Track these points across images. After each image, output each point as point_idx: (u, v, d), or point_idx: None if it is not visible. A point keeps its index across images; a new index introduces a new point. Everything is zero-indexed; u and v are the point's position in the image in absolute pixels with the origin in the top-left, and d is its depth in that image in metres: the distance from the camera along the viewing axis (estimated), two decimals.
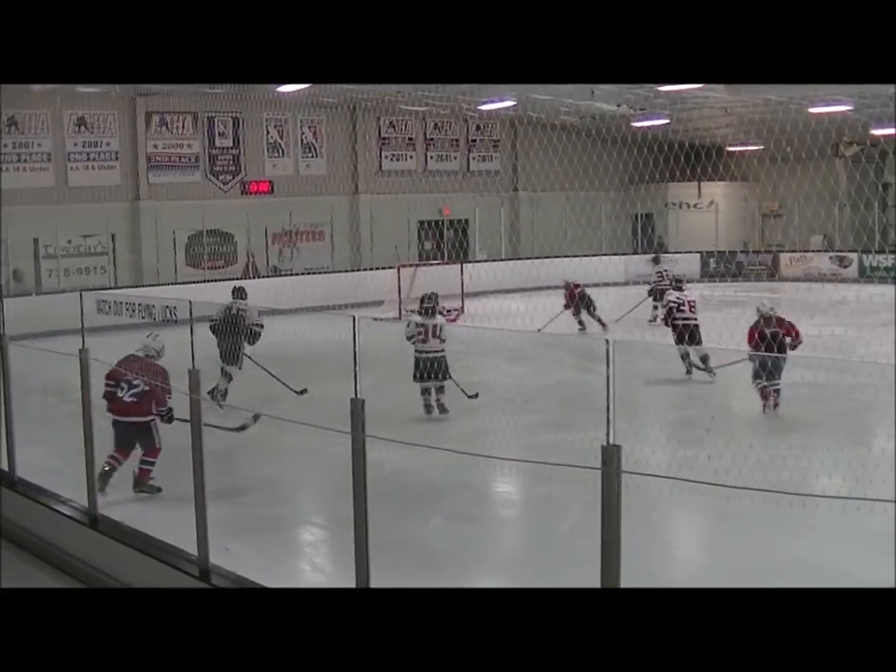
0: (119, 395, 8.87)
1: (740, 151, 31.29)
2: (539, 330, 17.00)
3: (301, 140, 27.72)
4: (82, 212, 23.09)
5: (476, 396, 12.13)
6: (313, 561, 7.86)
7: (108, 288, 22.64)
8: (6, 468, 8.49)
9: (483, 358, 14.84)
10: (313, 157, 27.89)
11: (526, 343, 17.09)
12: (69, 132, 24.18)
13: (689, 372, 14.12)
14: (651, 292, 20.60)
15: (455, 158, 30.54)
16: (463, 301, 22.10)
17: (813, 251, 29.38)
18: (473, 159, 30.94)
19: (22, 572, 7.17)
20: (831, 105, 22.08)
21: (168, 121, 25.72)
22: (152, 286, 22.40)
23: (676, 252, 29.88)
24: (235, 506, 8.42)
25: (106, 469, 8.74)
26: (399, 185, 29.01)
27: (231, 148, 26.73)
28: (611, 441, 4.18)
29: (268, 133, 27.21)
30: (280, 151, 27.43)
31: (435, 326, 12.07)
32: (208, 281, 23.47)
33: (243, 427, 9.58)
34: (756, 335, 11.76)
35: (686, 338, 13.93)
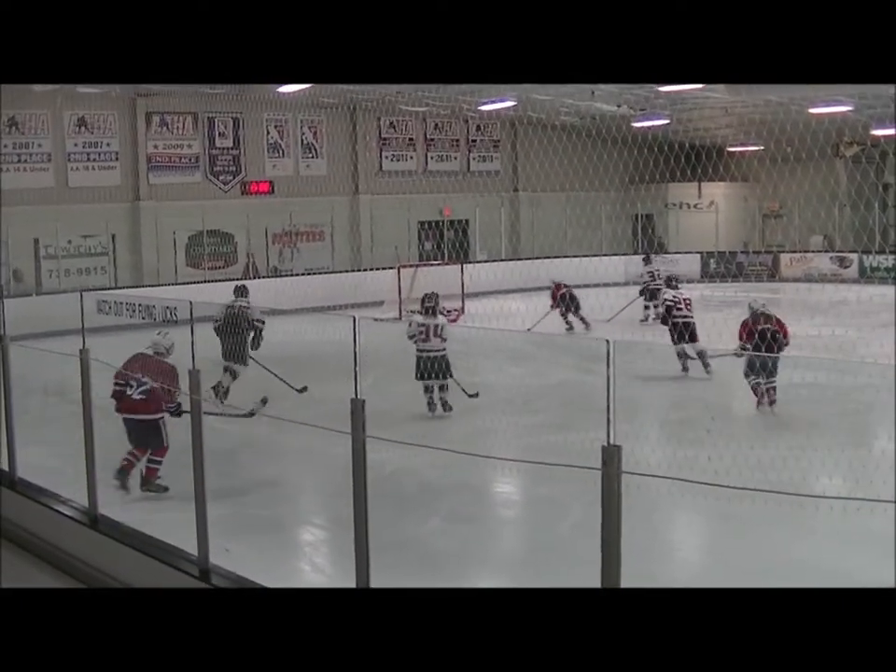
0: (129, 393, 8.90)
1: (740, 152, 31.29)
2: (528, 330, 17.17)
3: (302, 140, 27.71)
4: (82, 212, 23.10)
5: (476, 395, 12.18)
6: (313, 561, 7.87)
7: (109, 289, 22.63)
8: (6, 468, 8.48)
9: (483, 359, 14.84)
10: (313, 157, 27.89)
11: (527, 343, 17.11)
12: (69, 132, 24.18)
13: (686, 370, 14.28)
14: (642, 292, 20.70)
15: (456, 158, 30.54)
16: (463, 302, 22.09)
17: (813, 251, 29.37)
18: (473, 159, 30.94)
19: (23, 572, 7.16)
20: (831, 105, 22.08)
21: (168, 122, 25.72)
22: (152, 286, 22.38)
23: (676, 252, 29.93)
24: (235, 506, 8.42)
25: (125, 464, 8.82)
26: (400, 185, 29.00)
27: (232, 149, 26.73)
28: (612, 442, 4.17)
29: (268, 133, 27.21)
30: (280, 152, 27.43)
31: (436, 325, 12.13)
32: (208, 281, 23.48)
33: (251, 413, 9.74)
34: (747, 330, 11.92)
35: (684, 336, 14.06)
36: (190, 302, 7.09)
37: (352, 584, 5.24)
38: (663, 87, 21.39)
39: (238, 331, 12.56)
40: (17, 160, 23.37)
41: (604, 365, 4.24)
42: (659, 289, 19.57)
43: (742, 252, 30.13)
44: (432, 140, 30.07)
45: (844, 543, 7.05)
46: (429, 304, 12.50)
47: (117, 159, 24.98)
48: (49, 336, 12.34)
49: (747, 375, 11.90)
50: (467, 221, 29.64)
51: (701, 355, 14.12)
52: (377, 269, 24.74)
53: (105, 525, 7.19)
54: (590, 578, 4.22)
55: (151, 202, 25.20)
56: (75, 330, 8.09)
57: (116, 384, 8.96)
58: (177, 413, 8.76)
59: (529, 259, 27.20)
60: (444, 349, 12.15)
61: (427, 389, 12.17)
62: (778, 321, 12.31)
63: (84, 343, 7.65)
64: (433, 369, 11.92)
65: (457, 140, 30.59)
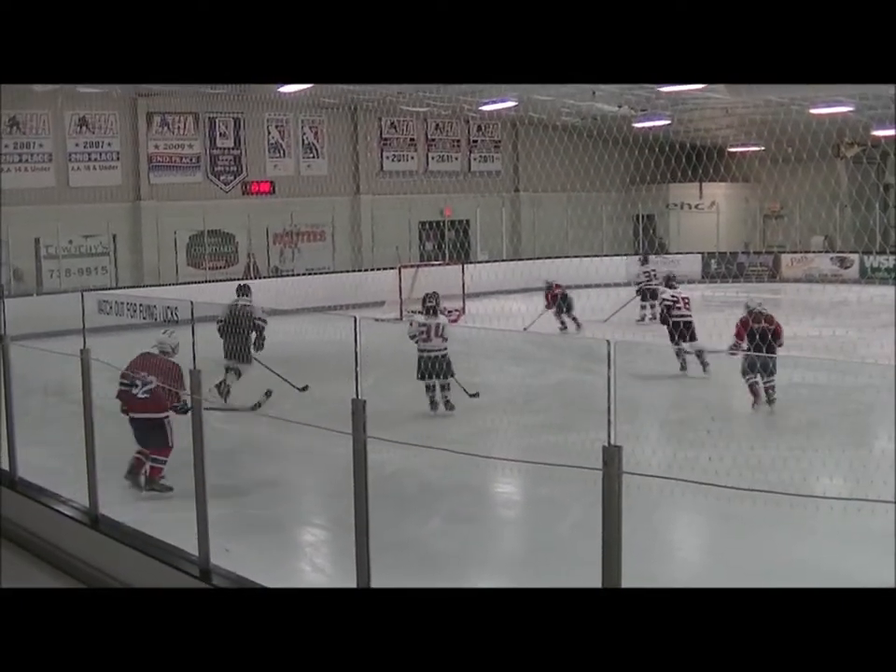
0: (134, 392, 8.92)
1: (741, 152, 31.29)
2: (525, 329, 17.34)
3: (303, 140, 27.72)
4: (83, 212, 23.10)
5: (477, 395, 12.21)
6: (313, 561, 7.86)
7: (109, 289, 22.63)
8: (6, 468, 8.49)
9: (483, 359, 14.84)
10: (314, 157, 27.89)
11: (527, 343, 17.11)
12: (70, 132, 24.19)
13: (684, 369, 14.37)
14: (639, 292, 20.75)
15: (457, 158, 30.54)
16: (464, 302, 22.09)
17: (814, 252, 29.37)
18: (474, 159, 30.94)
19: (23, 572, 7.16)
20: (832, 105, 22.08)
21: (169, 122, 25.73)
22: (153, 286, 22.38)
23: (677, 253, 29.93)
24: (236, 506, 8.42)
25: (134, 463, 8.88)
26: (401, 185, 29.00)
27: (233, 149, 26.74)
28: (612, 442, 4.17)
29: (269, 133, 27.21)
30: (281, 152, 27.43)
31: (437, 325, 12.18)
32: (209, 281, 23.49)
33: (257, 405, 9.97)
34: (745, 329, 12.03)
35: (684, 335, 14.14)
36: (191, 302, 7.09)
37: (352, 584, 5.24)
38: (664, 87, 21.40)
39: (240, 331, 12.62)
40: (18, 159, 23.39)
41: (604, 365, 4.24)
42: (655, 290, 19.73)
43: (743, 252, 30.13)
44: (433, 140, 30.07)
45: (844, 543, 7.05)
46: (430, 304, 12.58)
47: (118, 159, 24.99)
48: (49, 336, 12.34)
49: (744, 374, 11.96)
50: (468, 221, 29.64)
51: (699, 354, 14.20)
52: (378, 269, 24.74)
53: (106, 525, 7.19)
54: (590, 578, 4.22)
55: (152, 201, 25.21)
56: (75, 330, 8.09)
57: (121, 384, 9.00)
58: (183, 410, 8.78)
59: (530, 259, 27.19)
60: (446, 349, 12.21)
61: (429, 388, 12.22)
62: (769, 318, 12.38)
63: (85, 343, 7.66)
64: (435, 368, 11.97)
65: (458, 140, 30.59)
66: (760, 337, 11.78)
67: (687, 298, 15.12)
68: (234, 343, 12.65)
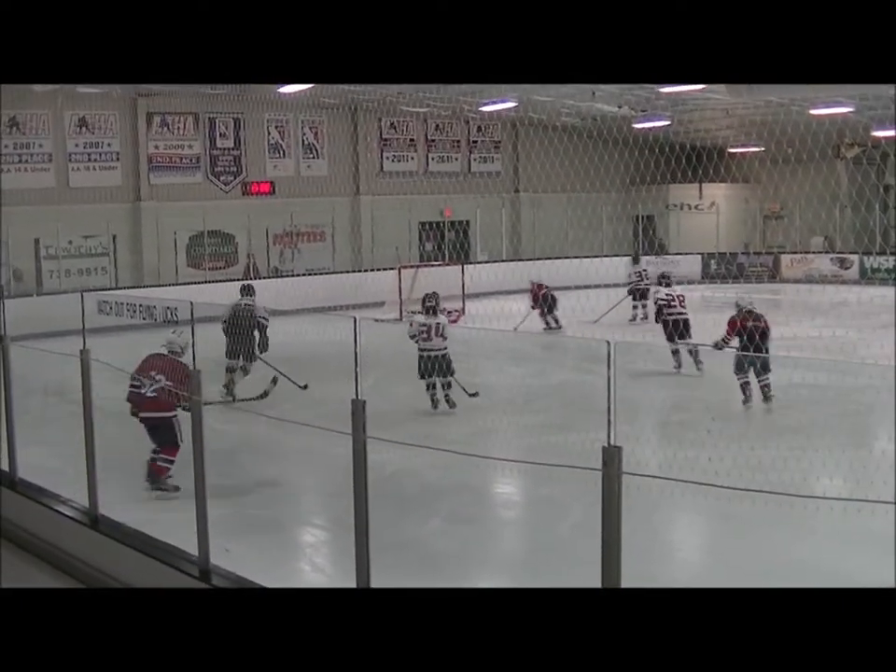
0: (142, 391, 8.94)
1: (741, 153, 31.29)
2: (515, 329, 17.59)
3: (303, 141, 27.72)
4: (83, 213, 23.10)
5: (476, 394, 12.24)
6: (313, 562, 7.86)
7: (109, 289, 22.62)
8: (6, 468, 8.48)
9: (483, 359, 14.84)
10: (314, 158, 27.90)
11: (527, 343, 17.12)
12: (70, 132, 24.19)
13: (678, 366, 14.48)
14: (630, 292, 20.78)
15: (457, 159, 30.54)
16: (464, 303, 22.10)
17: (814, 253, 29.37)
18: (474, 160, 30.94)
19: (23, 572, 7.16)
20: (832, 106, 22.08)
21: (169, 122, 25.73)
22: (153, 286, 22.34)
23: (677, 253, 29.95)
24: (236, 506, 8.42)
25: (150, 465, 8.95)
26: (401, 186, 29.00)
27: (233, 149, 26.74)
28: (612, 443, 4.17)
29: (269, 133, 27.22)
30: (281, 152, 27.44)
31: (437, 324, 12.23)
32: (209, 282, 23.50)
33: (265, 394, 10.26)
34: (737, 327, 12.15)
35: (679, 333, 14.24)
36: (191, 303, 7.09)
37: (352, 585, 5.23)
38: (664, 88, 21.40)
39: (243, 330, 12.81)
40: (18, 160, 23.39)
41: (604, 366, 4.24)
42: (647, 289, 19.88)
43: (743, 253, 30.13)
44: (433, 141, 30.07)
45: (844, 544, 7.05)
46: (430, 304, 12.64)
47: (117, 159, 24.99)
48: (49, 336, 12.33)
49: (737, 372, 12.04)
50: (467, 222, 29.64)
51: (693, 352, 14.31)
52: (378, 269, 24.74)
53: (106, 525, 7.19)
54: (590, 578, 4.22)
55: (152, 202, 25.22)
56: (75, 331, 8.09)
57: (131, 386, 9.03)
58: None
59: (530, 259, 27.18)
60: (446, 348, 12.29)
61: (430, 387, 12.29)
62: (759, 315, 12.47)
63: (84, 343, 7.65)
64: (435, 367, 12.04)
65: (458, 141, 30.60)
66: (750, 336, 11.86)
67: (682, 295, 15.22)
68: (237, 341, 12.81)
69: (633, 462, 4.38)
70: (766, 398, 11.90)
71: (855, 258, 28.07)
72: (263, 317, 13.32)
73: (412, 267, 23.53)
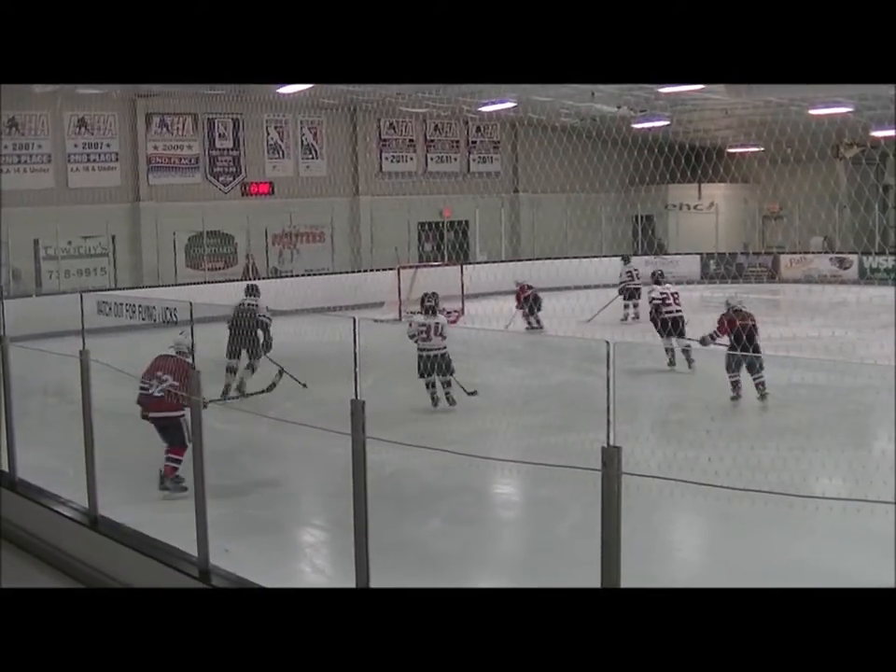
0: (151, 391, 8.96)
1: (740, 153, 31.28)
2: (506, 327, 18.00)
3: (302, 141, 27.71)
4: (82, 213, 23.10)
5: (475, 393, 12.30)
6: (313, 562, 7.86)
7: (108, 290, 22.61)
8: (6, 469, 8.48)
9: (483, 360, 14.86)
10: (313, 158, 27.89)
11: (527, 344, 17.13)
12: (69, 133, 24.18)
13: (672, 364, 14.64)
14: (621, 291, 20.82)
15: (456, 159, 30.54)
16: (463, 303, 22.10)
17: (813, 253, 29.37)
18: (473, 160, 30.94)
19: (23, 573, 7.16)
20: (831, 106, 22.08)
21: (168, 123, 25.72)
22: (152, 287, 22.35)
23: (676, 254, 29.96)
24: (235, 507, 8.42)
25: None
26: (400, 186, 28.99)
27: (232, 150, 26.73)
28: (611, 443, 4.17)
29: (268, 134, 27.21)
30: (280, 153, 27.43)
31: (437, 324, 12.28)
32: (208, 282, 23.51)
33: (272, 386, 10.54)
34: (726, 325, 12.32)
35: (672, 331, 14.39)
36: (191, 303, 7.09)
37: (352, 585, 5.23)
38: (663, 88, 21.40)
39: (246, 328, 12.96)
40: (17, 160, 23.38)
41: (603, 366, 4.24)
42: (638, 289, 19.99)
43: (742, 253, 30.13)
44: (432, 141, 30.07)
45: (843, 544, 7.05)
46: (430, 304, 12.69)
47: (117, 160, 24.98)
48: (48, 337, 12.33)
49: (728, 370, 12.13)
50: (467, 222, 29.64)
51: (686, 350, 14.47)
52: (377, 270, 24.75)
53: (105, 525, 7.19)
54: (590, 578, 4.22)
55: (151, 202, 25.20)
56: (75, 331, 8.09)
57: (141, 388, 9.04)
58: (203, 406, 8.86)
59: (529, 260, 27.19)
60: (445, 347, 12.37)
61: (430, 385, 12.36)
62: (753, 317, 12.56)
63: (84, 344, 7.65)
64: (435, 367, 12.10)
65: (457, 141, 30.59)
66: (738, 335, 11.97)
67: (676, 293, 15.34)
68: (238, 341, 12.95)
69: (632, 462, 4.38)
70: (762, 395, 11.94)
71: (854, 258, 28.06)
72: (265, 316, 13.48)
73: (411, 267, 23.53)
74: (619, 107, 24.78)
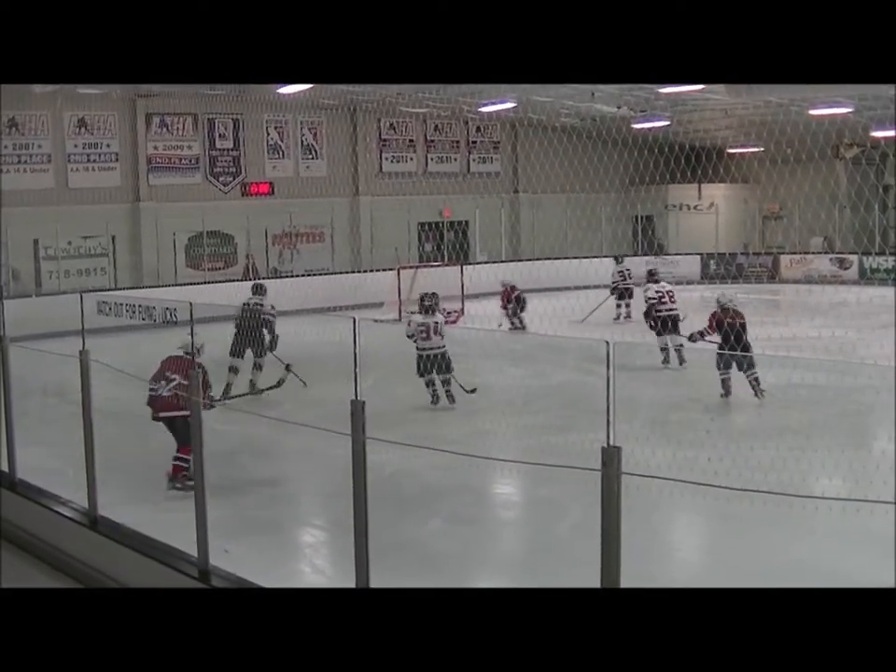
0: (160, 392, 8.96)
1: (740, 153, 31.27)
2: (499, 326, 18.39)
3: (302, 142, 27.71)
4: (82, 213, 23.10)
5: (474, 391, 12.36)
6: (313, 563, 7.86)
7: (108, 290, 22.62)
8: (6, 469, 8.48)
9: (483, 360, 14.86)
10: (313, 158, 27.89)
11: (527, 344, 17.13)
12: (69, 133, 24.18)
13: (666, 362, 14.78)
14: (613, 291, 20.85)
15: (456, 159, 30.54)
16: (463, 303, 22.10)
17: (813, 253, 29.37)
18: (474, 160, 30.94)
19: (23, 573, 7.16)
20: (831, 106, 22.08)
21: (168, 123, 25.72)
22: (152, 287, 22.37)
23: (676, 254, 29.96)
24: (235, 507, 8.41)
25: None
26: (400, 186, 28.99)
27: (232, 150, 26.73)
28: (611, 443, 4.17)
29: (268, 134, 27.21)
30: (280, 153, 27.43)
31: (436, 323, 12.35)
32: (208, 283, 23.52)
33: (281, 382, 10.54)
34: (716, 323, 12.43)
35: (668, 328, 14.50)
36: (190, 304, 7.09)
37: (352, 585, 5.23)
38: (663, 88, 21.41)
39: (250, 328, 13.08)
40: (17, 161, 23.38)
41: (603, 366, 4.24)
42: (630, 289, 20.13)
43: (742, 253, 30.14)
44: (432, 141, 30.07)
45: (843, 544, 7.05)
46: (428, 303, 12.73)
47: (117, 160, 24.98)
48: (48, 337, 12.34)
49: (718, 368, 12.22)
50: (467, 223, 29.65)
51: (678, 349, 14.59)
52: (377, 270, 24.75)
53: (105, 526, 7.19)
54: (589, 578, 4.22)
55: (151, 203, 25.20)
56: (74, 332, 8.09)
57: (150, 390, 9.03)
58: (210, 406, 8.88)
59: (529, 260, 27.20)
60: (444, 346, 12.43)
61: (429, 384, 12.41)
62: (743, 315, 12.71)
63: (84, 344, 7.65)
64: (435, 365, 12.20)
65: (457, 141, 30.59)
66: (731, 331, 12.04)
67: (672, 291, 15.46)
68: (243, 340, 13.07)
69: (632, 462, 4.38)
70: (757, 392, 11.98)
71: (854, 258, 28.07)
72: (270, 314, 13.60)
73: (411, 267, 23.54)
74: (619, 107, 24.78)
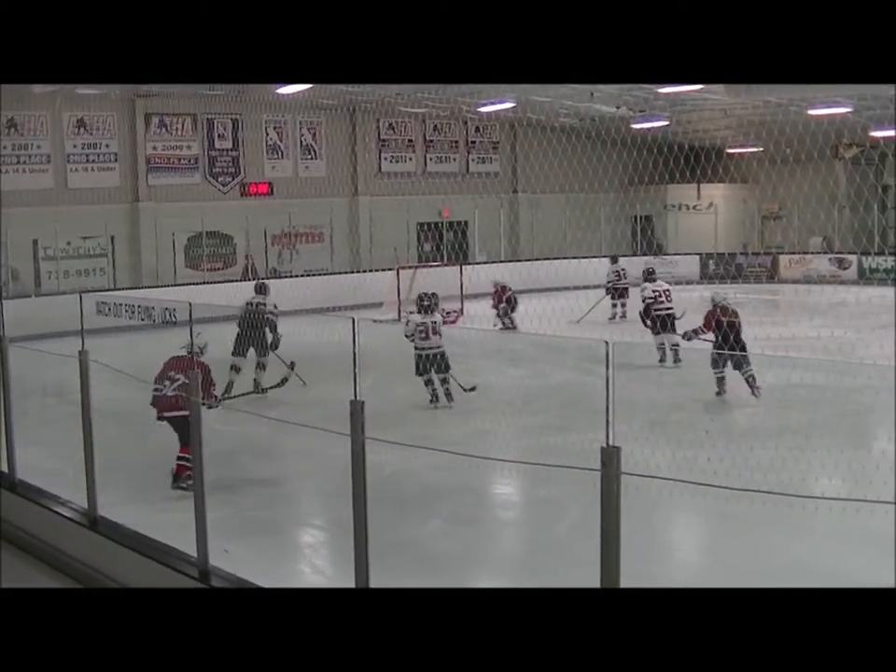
0: (164, 392, 8.96)
1: (740, 153, 31.28)
2: (494, 326, 18.73)
3: (301, 142, 27.71)
4: (81, 214, 23.09)
5: (474, 388, 12.44)
6: (312, 563, 7.86)
7: (108, 290, 22.62)
8: (6, 469, 8.48)
9: (483, 360, 14.87)
10: (312, 159, 27.89)
11: (526, 344, 17.13)
12: (68, 133, 24.17)
13: (662, 360, 14.92)
14: (608, 291, 20.88)
15: (455, 159, 30.54)
16: (462, 303, 22.11)
17: (812, 253, 29.37)
18: (473, 160, 30.94)
19: (22, 574, 7.15)
20: (830, 106, 22.09)
21: (167, 123, 25.72)
22: (151, 287, 22.38)
23: (675, 254, 29.96)
24: (235, 507, 8.41)
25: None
26: (399, 186, 29.00)
27: (231, 150, 26.73)
28: (611, 443, 4.17)
29: (267, 134, 27.20)
30: (279, 153, 27.43)
31: (434, 323, 12.44)
32: (207, 283, 23.52)
33: (284, 381, 10.73)
34: (713, 321, 12.47)
35: (665, 327, 14.59)
36: (189, 304, 7.09)
37: (352, 586, 5.23)
38: (662, 88, 21.41)
39: (252, 327, 13.16)
40: (16, 161, 23.37)
41: (602, 366, 4.24)
42: (625, 288, 20.19)
43: (741, 253, 30.15)
44: (431, 141, 30.07)
45: (843, 544, 7.05)
46: (426, 303, 12.80)
47: (116, 160, 24.97)
48: (48, 337, 12.34)
49: (714, 366, 12.28)
50: (466, 223, 29.65)
51: (675, 347, 14.71)
52: (376, 270, 24.75)
53: (105, 526, 7.18)
54: (589, 578, 4.22)
55: (150, 203, 25.20)
56: (74, 332, 8.08)
57: (154, 390, 9.03)
58: (215, 405, 8.90)
59: (528, 260, 27.20)
60: (442, 346, 12.50)
61: (428, 383, 12.46)
62: (738, 314, 12.74)
63: (83, 344, 7.65)
64: (432, 364, 12.32)
65: (456, 141, 30.59)
66: (726, 332, 12.07)
67: (668, 290, 15.56)
68: (245, 339, 13.14)
69: (631, 462, 4.38)
70: (753, 390, 12.01)
71: (853, 258, 28.07)
72: (272, 313, 13.66)
73: (410, 268, 23.54)
74: (618, 107, 24.79)
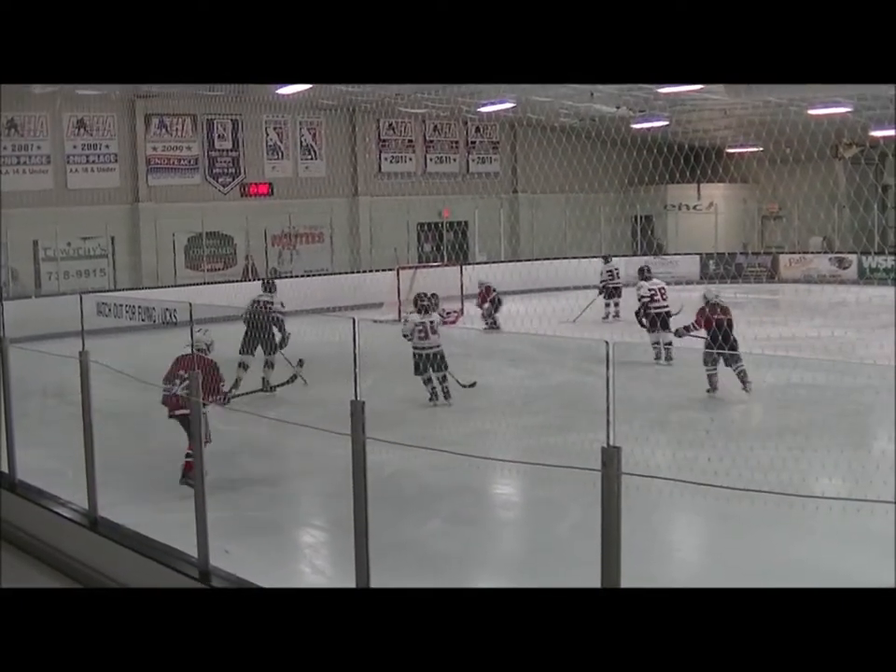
0: (174, 391, 8.96)
1: (740, 153, 31.29)
2: (489, 325, 18.89)
3: (301, 142, 27.71)
4: (81, 214, 23.10)
5: (474, 384, 12.71)
6: (313, 563, 7.86)
7: (108, 291, 22.61)
8: (6, 470, 8.47)
9: (483, 360, 14.87)
10: (312, 159, 27.89)
11: (526, 344, 17.12)
12: (68, 134, 24.18)
13: (657, 358, 14.99)
14: (601, 290, 20.89)
15: (455, 160, 30.54)
16: (462, 303, 22.11)
17: (812, 253, 29.38)
18: (473, 161, 30.95)
19: (23, 574, 7.15)
20: (830, 106, 22.10)
21: (167, 124, 25.72)
22: (151, 288, 22.37)
23: (675, 254, 29.96)
24: (235, 508, 8.42)
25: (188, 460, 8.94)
26: (399, 187, 29.00)
27: (231, 151, 26.73)
28: (611, 443, 4.17)
29: (267, 135, 27.21)
30: (279, 153, 27.43)
31: (432, 322, 12.64)
32: (207, 283, 23.52)
33: (293, 379, 10.90)
34: (703, 319, 12.55)
35: (659, 325, 14.68)
36: (190, 304, 7.09)
37: (352, 586, 5.23)
38: (662, 88, 21.42)
39: (263, 324, 13.20)
40: (16, 162, 23.38)
41: (602, 366, 4.24)
42: (618, 288, 20.25)
43: (741, 253, 30.16)
44: (431, 142, 30.08)
45: (843, 544, 7.05)
46: (424, 303, 13.00)
47: (116, 161, 24.98)
48: (48, 338, 12.33)
49: (705, 364, 12.31)
50: (466, 223, 29.65)
51: (668, 345, 14.81)
52: (376, 270, 24.75)
53: (105, 527, 7.18)
54: (589, 579, 4.22)
55: (150, 203, 25.20)
56: (74, 332, 8.08)
57: (164, 390, 9.02)
58: (226, 401, 8.90)
59: (529, 260, 27.21)
60: (440, 345, 12.62)
61: (427, 381, 12.56)
62: (729, 311, 12.82)
63: (83, 345, 7.65)
64: (431, 363, 12.46)
65: (456, 142, 30.60)
66: (718, 328, 12.12)
67: (664, 288, 15.64)
68: (252, 337, 13.18)
69: (632, 462, 4.38)
70: (744, 384, 12.05)
71: (853, 258, 28.08)
72: (280, 312, 13.74)
73: (410, 268, 23.55)
74: (618, 108, 24.79)
